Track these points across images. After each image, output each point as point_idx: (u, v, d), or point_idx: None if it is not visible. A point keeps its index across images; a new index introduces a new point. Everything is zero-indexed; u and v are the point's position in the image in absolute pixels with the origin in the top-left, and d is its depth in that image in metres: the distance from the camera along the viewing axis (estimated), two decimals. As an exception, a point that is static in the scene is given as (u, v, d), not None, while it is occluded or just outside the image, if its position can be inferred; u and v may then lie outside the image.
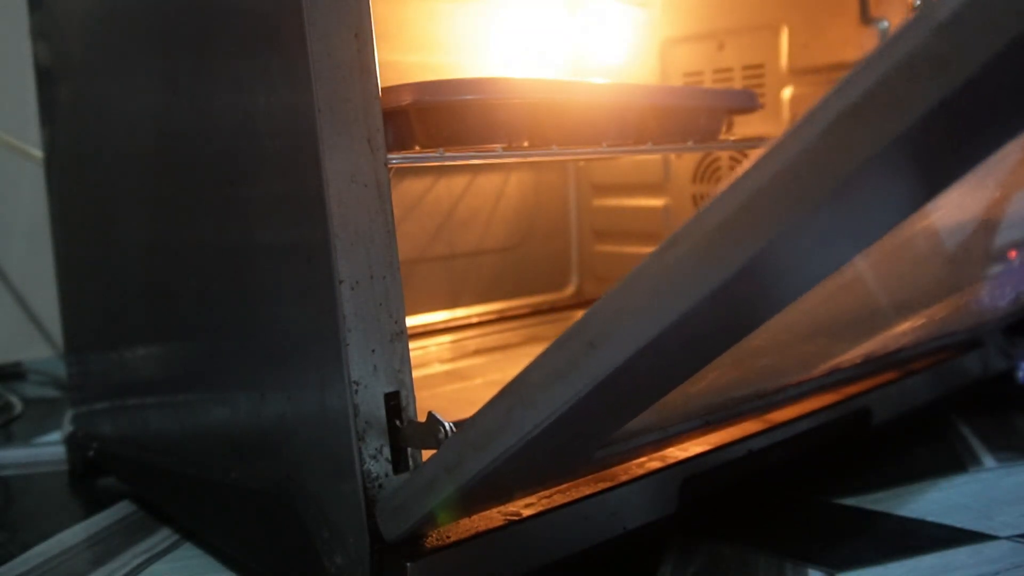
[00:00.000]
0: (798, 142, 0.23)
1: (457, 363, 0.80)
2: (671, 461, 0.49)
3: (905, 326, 0.55)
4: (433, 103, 0.46)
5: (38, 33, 0.68)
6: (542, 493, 0.44)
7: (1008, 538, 0.51)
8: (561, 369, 0.30)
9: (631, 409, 0.36)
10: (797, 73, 0.73)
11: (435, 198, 0.85)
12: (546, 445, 0.33)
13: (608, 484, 0.46)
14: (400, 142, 0.47)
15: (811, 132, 0.23)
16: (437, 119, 0.46)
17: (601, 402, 0.31)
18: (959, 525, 0.53)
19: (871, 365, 0.58)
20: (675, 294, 0.26)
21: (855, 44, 0.68)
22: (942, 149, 0.23)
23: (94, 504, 0.65)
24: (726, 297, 0.26)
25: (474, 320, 0.86)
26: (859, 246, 0.29)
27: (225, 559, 0.53)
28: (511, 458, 0.33)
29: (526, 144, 0.49)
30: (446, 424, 0.38)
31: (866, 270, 0.45)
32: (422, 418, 0.41)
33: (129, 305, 0.59)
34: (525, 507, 0.43)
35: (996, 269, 0.57)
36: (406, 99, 0.45)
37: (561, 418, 0.31)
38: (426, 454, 0.40)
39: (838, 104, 0.22)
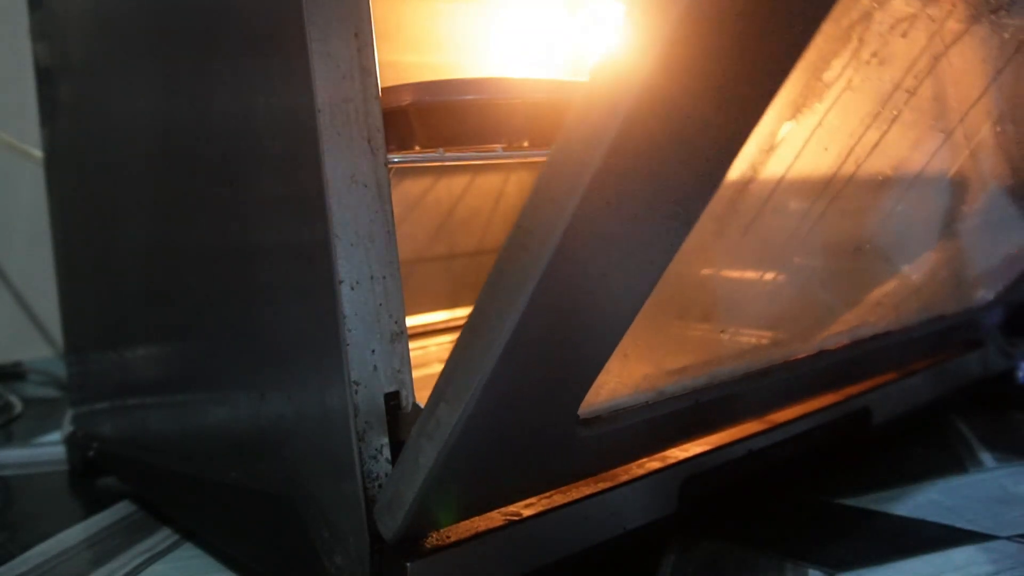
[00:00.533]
0: None
1: (457, 363, 0.80)
2: (671, 461, 0.49)
3: (878, 293, 0.55)
4: (433, 103, 0.46)
5: (38, 33, 0.68)
6: (542, 493, 0.44)
7: (1008, 538, 0.51)
8: (507, 282, 0.30)
9: (591, 332, 0.36)
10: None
11: (435, 198, 0.85)
12: (513, 384, 0.33)
13: (608, 484, 0.46)
14: (400, 142, 0.47)
15: None
16: (437, 119, 0.46)
17: (552, 311, 0.32)
18: (959, 525, 0.53)
19: (862, 350, 0.58)
20: (578, 173, 0.27)
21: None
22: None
23: (94, 504, 0.65)
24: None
25: (474, 320, 0.86)
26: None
27: (225, 559, 0.54)
28: (482, 404, 0.33)
29: (526, 144, 0.49)
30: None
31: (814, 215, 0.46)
32: (422, 418, 0.41)
33: (129, 305, 0.59)
34: (525, 507, 0.43)
35: (966, 226, 0.58)
36: (406, 99, 0.45)
37: (518, 332, 0.31)
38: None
39: None
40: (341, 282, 0.38)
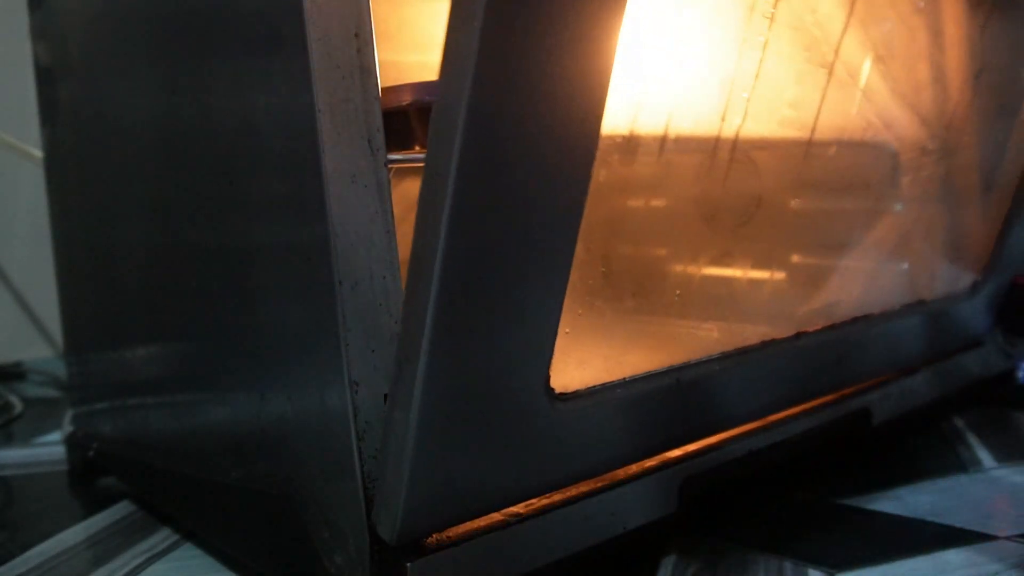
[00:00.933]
0: None
1: (457, 363, 0.80)
2: (671, 461, 0.49)
3: (828, 263, 0.56)
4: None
5: (38, 33, 0.68)
6: (538, 489, 0.44)
7: (1008, 538, 0.51)
8: (424, 203, 0.32)
9: (519, 289, 0.36)
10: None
11: (435, 198, 0.85)
12: (458, 330, 0.34)
13: (608, 484, 0.46)
14: (400, 142, 0.47)
15: None
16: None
17: (477, 220, 0.33)
18: (959, 525, 0.53)
19: (846, 335, 0.58)
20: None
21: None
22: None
23: (94, 504, 0.65)
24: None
25: (474, 320, 0.85)
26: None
27: (225, 559, 0.54)
28: (434, 356, 0.33)
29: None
30: None
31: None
32: (422, 418, 0.41)
33: (129, 305, 0.59)
34: (525, 507, 0.43)
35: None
36: (406, 99, 0.45)
37: (450, 245, 0.32)
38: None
39: None
40: (341, 282, 0.38)
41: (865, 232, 0.63)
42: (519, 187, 0.34)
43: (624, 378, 0.45)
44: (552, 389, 0.41)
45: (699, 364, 0.49)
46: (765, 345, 0.53)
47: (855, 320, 0.59)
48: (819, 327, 0.57)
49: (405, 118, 0.46)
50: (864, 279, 0.61)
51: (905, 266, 0.66)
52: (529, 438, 0.41)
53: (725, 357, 0.50)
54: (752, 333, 0.53)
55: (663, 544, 0.52)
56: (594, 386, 0.43)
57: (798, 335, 0.55)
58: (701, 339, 0.52)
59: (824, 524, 0.55)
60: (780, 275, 0.59)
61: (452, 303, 0.33)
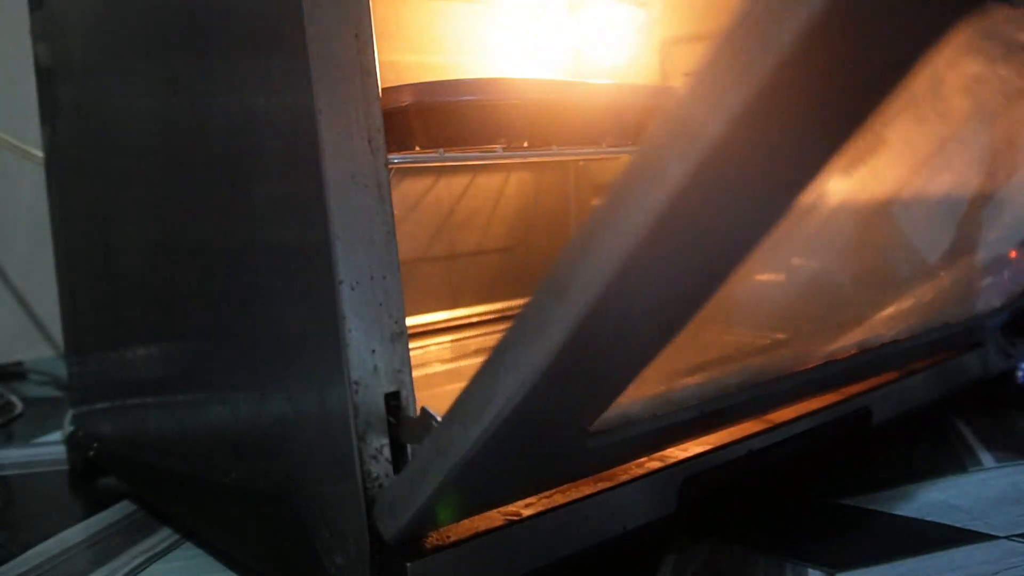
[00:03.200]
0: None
1: (457, 363, 0.80)
2: (671, 461, 0.49)
3: (891, 309, 0.55)
4: (433, 104, 0.46)
5: (38, 33, 0.68)
6: (542, 493, 0.44)
7: (1008, 538, 0.51)
8: (536, 326, 0.30)
9: (613, 374, 0.36)
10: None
11: (435, 198, 0.85)
12: (533, 413, 0.33)
13: (608, 484, 0.46)
14: (400, 142, 0.47)
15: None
16: (437, 120, 0.46)
17: (579, 357, 0.31)
18: (959, 525, 0.53)
19: (867, 357, 0.58)
20: (627, 225, 0.27)
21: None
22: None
23: (94, 504, 0.65)
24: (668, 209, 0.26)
25: (474, 320, 0.86)
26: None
27: (225, 559, 0.54)
28: (500, 431, 0.33)
29: (525, 144, 0.49)
30: (438, 418, 0.38)
31: (839, 241, 0.45)
32: (422, 418, 0.41)
33: (129, 305, 0.59)
34: (525, 507, 0.43)
35: (981, 256, 0.58)
36: (406, 100, 0.45)
37: (544, 377, 0.31)
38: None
39: None
40: (341, 282, 0.38)
41: (932, 277, 0.62)
42: (647, 304, 0.33)
43: (655, 413, 0.44)
44: (588, 429, 0.41)
45: (725, 396, 0.48)
46: (795, 375, 0.53)
47: (883, 346, 0.59)
48: (850, 354, 0.56)
49: (405, 118, 0.47)
50: (913, 314, 0.60)
51: (948, 298, 0.65)
52: (555, 468, 0.42)
53: (754, 386, 0.50)
54: (788, 364, 0.52)
55: (663, 544, 0.52)
56: (626, 421, 0.43)
57: (828, 363, 0.55)
58: (729, 370, 0.51)
59: (824, 524, 0.55)
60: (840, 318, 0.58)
61: (535, 396, 0.32)
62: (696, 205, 0.27)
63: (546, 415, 0.35)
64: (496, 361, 0.32)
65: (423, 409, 0.39)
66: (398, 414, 0.40)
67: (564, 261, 0.29)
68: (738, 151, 0.25)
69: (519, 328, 0.31)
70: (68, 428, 0.72)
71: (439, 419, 0.38)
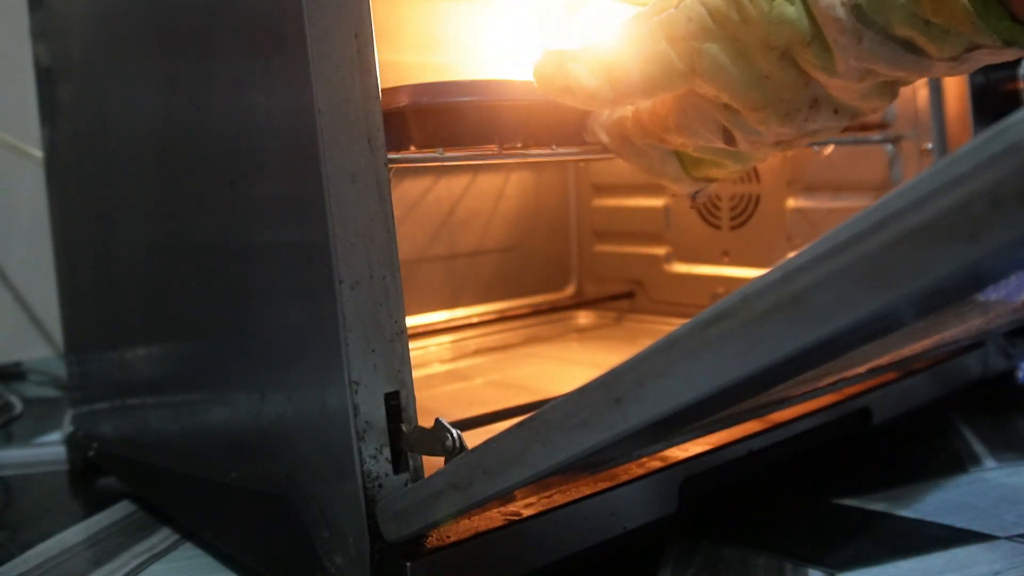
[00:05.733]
0: (857, 248, 0.23)
1: (457, 363, 0.80)
2: (671, 461, 0.49)
3: (918, 347, 0.55)
4: (429, 105, 0.46)
5: (38, 33, 0.68)
6: (542, 493, 0.44)
7: (1008, 538, 0.51)
8: (585, 419, 0.30)
9: (647, 447, 0.36)
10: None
11: (435, 198, 0.85)
12: (559, 475, 0.33)
13: (608, 484, 0.46)
14: (396, 143, 0.47)
15: (871, 243, 0.22)
16: (433, 121, 0.46)
17: (619, 447, 0.31)
18: (959, 525, 0.53)
19: (874, 370, 0.58)
20: (711, 371, 0.26)
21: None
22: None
23: (94, 504, 0.65)
24: (763, 378, 0.26)
25: (474, 320, 0.86)
26: (909, 339, 0.29)
27: (225, 559, 0.54)
28: (521, 484, 0.33)
29: (519, 145, 0.49)
30: (454, 432, 0.38)
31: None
32: (422, 417, 0.41)
33: (129, 305, 0.59)
34: (525, 507, 0.43)
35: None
36: (403, 101, 0.45)
37: (577, 459, 0.31)
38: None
39: (904, 222, 0.22)
40: (341, 282, 0.38)
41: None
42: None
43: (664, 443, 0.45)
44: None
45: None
46: (803, 393, 0.53)
47: (893, 363, 0.59)
48: (860, 372, 0.56)
49: (402, 120, 0.47)
50: (931, 344, 0.60)
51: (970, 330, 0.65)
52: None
53: (762, 404, 0.50)
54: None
55: (663, 544, 0.52)
56: (638, 452, 0.43)
57: (838, 381, 0.55)
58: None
59: (824, 524, 0.55)
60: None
61: (602, 453, 0.32)
62: (785, 370, 0.26)
63: (564, 475, 0.35)
64: (534, 428, 0.32)
65: (437, 421, 0.39)
66: (399, 414, 0.40)
67: (634, 371, 0.28)
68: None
69: (566, 411, 0.31)
70: (68, 428, 0.72)
71: (455, 436, 0.38)
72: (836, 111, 0.42)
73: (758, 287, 0.25)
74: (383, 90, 0.40)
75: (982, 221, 0.20)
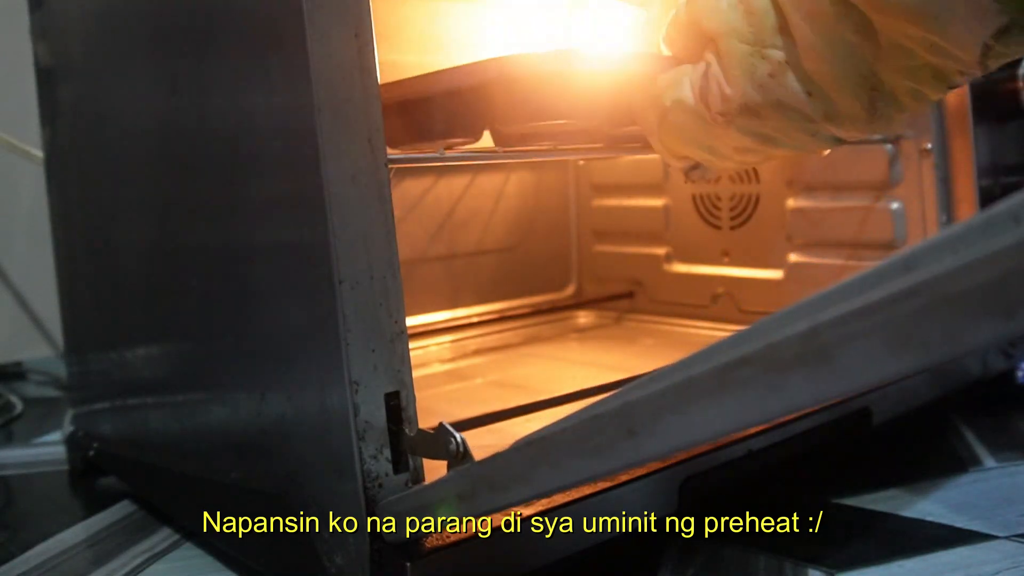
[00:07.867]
0: (890, 310, 0.23)
1: (457, 363, 0.80)
2: (671, 461, 0.49)
3: None
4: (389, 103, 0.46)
5: (38, 33, 0.68)
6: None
7: (1008, 538, 0.51)
8: (597, 446, 0.30)
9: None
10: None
11: (435, 198, 0.85)
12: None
13: (608, 484, 0.46)
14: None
15: (905, 307, 0.22)
16: (399, 118, 0.46)
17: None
18: (959, 525, 0.53)
19: None
20: (728, 414, 0.26)
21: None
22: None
23: (94, 504, 0.65)
24: (779, 417, 0.26)
25: (474, 320, 0.86)
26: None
27: (225, 559, 0.54)
28: (525, 501, 0.34)
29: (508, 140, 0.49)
30: (458, 436, 0.38)
31: None
32: (422, 417, 0.41)
33: (129, 305, 0.59)
34: (525, 507, 0.43)
35: None
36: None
37: (584, 482, 0.31)
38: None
39: (941, 290, 0.22)
40: (341, 282, 0.38)
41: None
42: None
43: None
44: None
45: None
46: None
47: None
48: None
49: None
50: None
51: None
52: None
53: None
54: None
55: (663, 544, 0.52)
56: None
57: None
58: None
59: (824, 524, 0.55)
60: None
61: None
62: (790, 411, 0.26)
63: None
64: (543, 448, 0.32)
65: (440, 425, 0.39)
66: (399, 414, 0.40)
67: (649, 404, 0.28)
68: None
69: (577, 435, 0.31)
70: (68, 428, 0.72)
71: (459, 440, 0.38)
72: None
73: (783, 336, 0.24)
74: (383, 86, 0.40)
75: (1020, 299, 0.20)
